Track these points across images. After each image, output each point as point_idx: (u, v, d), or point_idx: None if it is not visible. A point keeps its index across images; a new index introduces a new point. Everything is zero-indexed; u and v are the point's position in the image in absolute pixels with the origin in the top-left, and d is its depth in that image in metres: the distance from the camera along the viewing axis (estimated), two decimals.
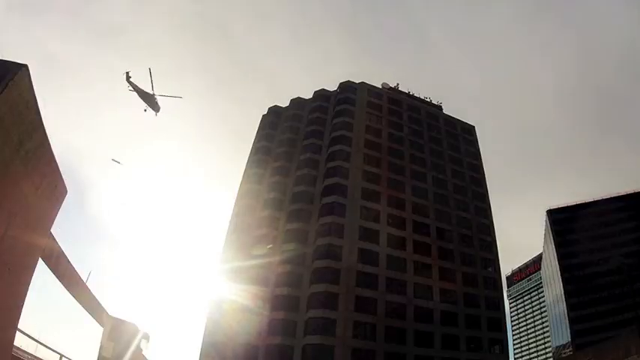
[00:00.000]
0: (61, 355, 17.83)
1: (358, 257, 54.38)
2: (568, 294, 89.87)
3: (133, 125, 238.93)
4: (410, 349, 51.67)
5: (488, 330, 57.95)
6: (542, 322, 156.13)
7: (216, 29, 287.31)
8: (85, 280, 21.52)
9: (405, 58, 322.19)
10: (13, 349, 13.17)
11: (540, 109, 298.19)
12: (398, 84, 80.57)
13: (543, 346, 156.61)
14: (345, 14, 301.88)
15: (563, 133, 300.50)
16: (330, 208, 57.05)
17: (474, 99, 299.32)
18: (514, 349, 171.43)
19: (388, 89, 78.46)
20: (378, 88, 76.80)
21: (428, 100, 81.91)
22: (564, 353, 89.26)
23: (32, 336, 14.92)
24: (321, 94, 74.75)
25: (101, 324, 24.19)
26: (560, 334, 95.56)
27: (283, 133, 70.66)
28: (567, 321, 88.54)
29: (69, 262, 18.13)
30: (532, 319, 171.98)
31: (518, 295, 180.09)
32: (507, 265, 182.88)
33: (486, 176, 74.91)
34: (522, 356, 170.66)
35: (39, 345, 15.66)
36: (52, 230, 15.36)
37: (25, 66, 9.50)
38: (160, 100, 43.47)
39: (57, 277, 16.82)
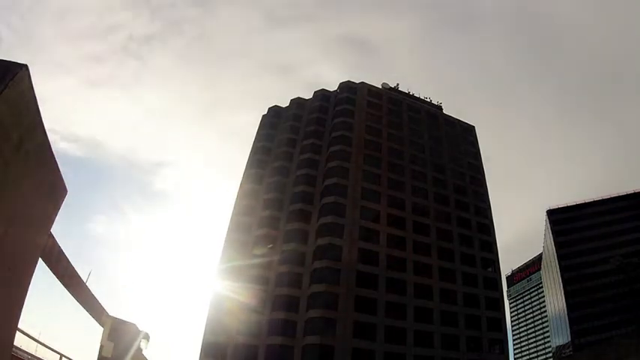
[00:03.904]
0: (61, 355, 17.82)
1: (358, 257, 54.34)
2: (568, 294, 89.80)
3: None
4: (410, 349, 51.65)
5: (488, 330, 57.93)
6: (542, 322, 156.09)
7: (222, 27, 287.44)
8: (85, 279, 21.50)
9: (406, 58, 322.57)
10: (13, 349, 13.17)
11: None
12: (398, 84, 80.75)
13: (543, 346, 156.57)
14: (345, 13, 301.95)
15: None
16: (330, 208, 57.02)
17: (474, 99, 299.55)
18: (514, 349, 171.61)
19: (388, 89, 78.44)
20: (378, 88, 76.78)
21: (428, 100, 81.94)
22: (564, 353, 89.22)
23: (32, 336, 14.92)
24: (321, 94, 74.74)
25: (101, 324, 24.17)
26: (560, 334, 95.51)
27: (283, 133, 70.61)
28: (567, 321, 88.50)
29: (69, 261, 18.13)
30: (532, 319, 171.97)
31: (518, 295, 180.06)
32: (507, 265, 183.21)
33: (486, 175, 75.09)
34: (522, 356, 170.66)
35: (39, 345, 15.65)
36: (52, 230, 15.36)
37: (25, 66, 9.50)
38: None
39: (57, 277, 16.81)
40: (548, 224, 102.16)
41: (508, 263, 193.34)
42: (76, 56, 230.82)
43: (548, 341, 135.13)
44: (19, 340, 13.65)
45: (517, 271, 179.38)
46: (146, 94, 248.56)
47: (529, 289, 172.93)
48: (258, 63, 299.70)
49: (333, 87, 75.53)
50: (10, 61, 9.30)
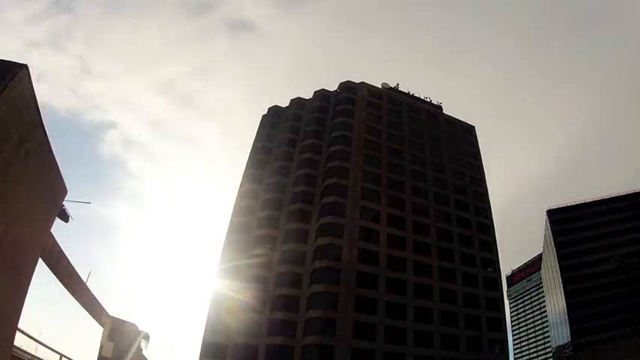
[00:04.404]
0: (61, 355, 17.81)
1: (358, 257, 54.35)
2: (568, 294, 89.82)
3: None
4: (410, 349, 51.66)
5: (488, 330, 57.95)
6: (542, 322, 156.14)
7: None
8: (85, 279, 21.50)
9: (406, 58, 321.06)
10: (13, 349, 13.18)
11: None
12: (398, 84, 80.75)
13: (543, 346, 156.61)
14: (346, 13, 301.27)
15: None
16: (330, 208, 57.03)
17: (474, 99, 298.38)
18: (514, 349, 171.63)
19: (388, 89, 78.46)
20: (378, 88, 76.81)
21: (428, 100, 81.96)
22: (564, 353, 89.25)
23: (32, 336, 14.92)
24: (321, 94, 74.77)
25: (101, 324, 24.16)
26: (560, 334, 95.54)
27: (283, 133, 70.66)
28: (567, 321, 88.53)
29: (69, 261, 18.13)
30: (532, 319, 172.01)
31: (518, 295, 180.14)
32: (507, 265, 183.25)
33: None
34: (522, 356, 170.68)
35: (39, 345, 15.65)
36: (52, 230, 15.38)
37: (25, 66, 9.51)
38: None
39: (57, 277, 16.81)
40: (548, 224, 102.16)
41: (508, 263, 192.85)
42: (21, 17, 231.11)
43: (548, 341, 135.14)
44: (19, 340, 13.66)
45: (517, 271, 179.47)
46: (78, 49, 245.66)
47: (529, 289, 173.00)
48: (178, 4, 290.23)
49: (333, 87, 75.53)
50: (10, 61, 9.31)
